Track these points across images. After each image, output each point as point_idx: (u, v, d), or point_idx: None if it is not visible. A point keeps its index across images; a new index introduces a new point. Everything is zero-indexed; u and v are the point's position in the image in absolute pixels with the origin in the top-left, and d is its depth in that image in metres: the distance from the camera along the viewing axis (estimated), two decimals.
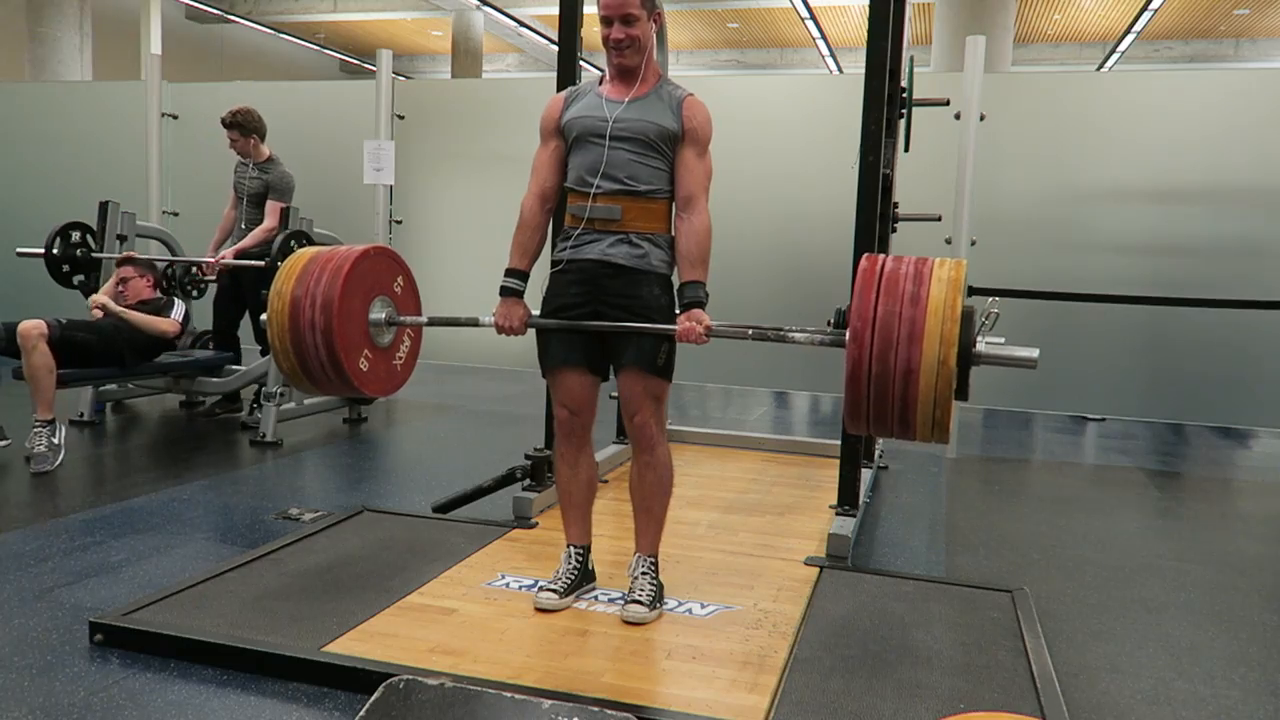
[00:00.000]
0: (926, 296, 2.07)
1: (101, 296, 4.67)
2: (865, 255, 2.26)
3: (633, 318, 2.52)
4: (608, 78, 2.61)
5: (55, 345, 4.22)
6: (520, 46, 21.48)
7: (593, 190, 2.53)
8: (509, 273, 2.65)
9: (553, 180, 2.63)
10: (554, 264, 2.65)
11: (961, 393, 2.09)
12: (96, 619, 2.37)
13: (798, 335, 2.49)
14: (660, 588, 2.64)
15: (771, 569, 3.00)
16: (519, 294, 2.65)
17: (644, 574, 2.63)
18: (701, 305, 2.49)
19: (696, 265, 2.50)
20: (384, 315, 2.70)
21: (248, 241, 5.15)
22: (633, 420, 2.60)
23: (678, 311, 2.54)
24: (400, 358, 2.80)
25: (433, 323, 2.78)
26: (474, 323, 2.72)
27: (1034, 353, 2.20)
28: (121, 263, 4.97)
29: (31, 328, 4.13)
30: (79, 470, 4.16)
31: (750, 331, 2.52)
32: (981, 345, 2.15)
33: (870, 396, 2.12)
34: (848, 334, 2.13)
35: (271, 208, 5.26)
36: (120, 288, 4.86)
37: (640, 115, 2.52)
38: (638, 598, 2.57)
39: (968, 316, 2.11)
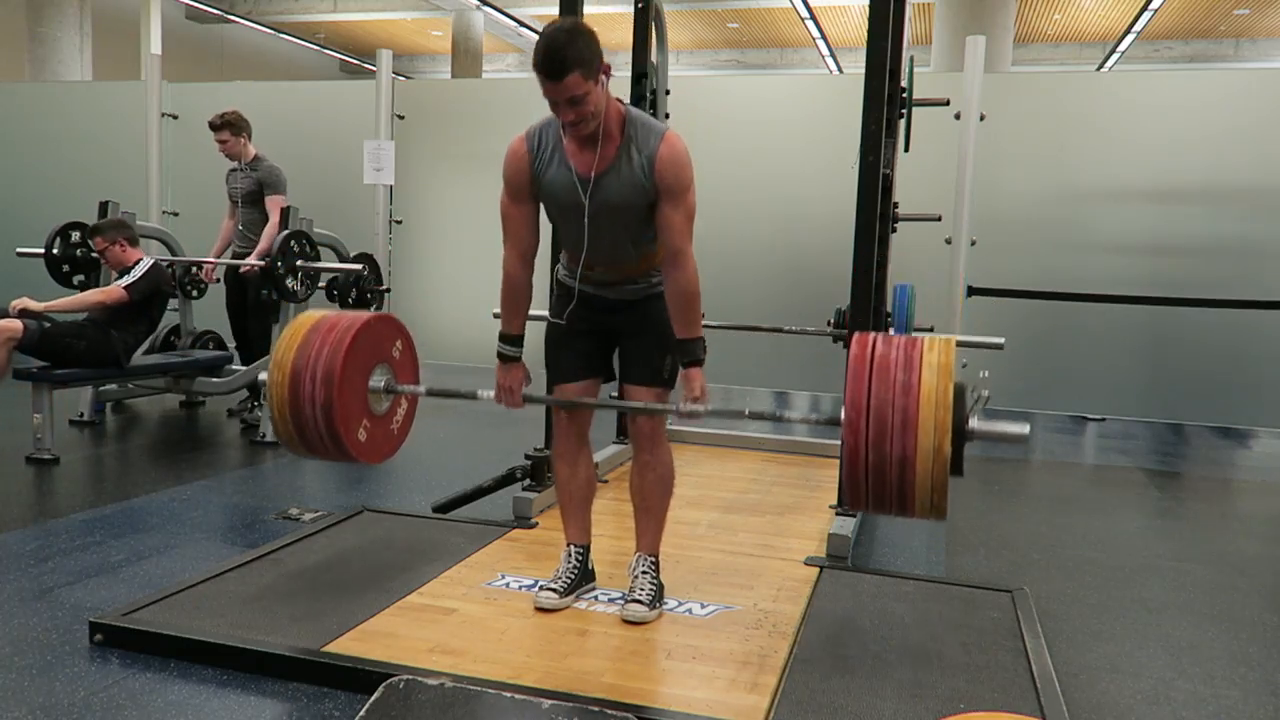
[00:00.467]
0: (918, 384, 2.12)
1: (23, 300, 4.40)
2: (856, 336, 2.27)
3: (642, 333, 2.55)
4: (567, 138, 2.42)
5: (36, 348, 4.20)
6: (520, 46, 21.48)
7: (584, 260, 2.52)
8: (504, 338, 2.61)
9: (531, 239, 2.55)
10: (559, 283, 2.66)
11: (956, 470, 2.14)
12: (96, 619, 2.37)
13: (793, 415, 2.59)
14: (660, 587, 2.64)
15: (771, 569, 3.00)
16: (517, 359, 2.62)
17: (644, 573, 2.64)
18: (699, 364, 2.47)
19: (689, 322, 2.45)
20: (383, 383, 2.67)
21: (264, 245, 5.14)
22: (635, 421, 2.61)
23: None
24: (397, 421, 2.79)
25: (431, 393, 2.76)
26: (472, 395, 2.70)
27: (1025, 429, 2.28)
28: (92, 234, 4.82)
29: (2, 330, 4.11)
30: (79, 470, 4.16)
31: (747, 411, 2.57)
32: (974, 423, 2.21)
33: (868, 482, 2.17)
34: (843, 422, 2.19)
35: (272, 203, 5.24)
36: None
37: (615, 191, 2.39)
38: (638, 597, 2.57)
39: (959, 398, 2.16)
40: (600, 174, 2.39)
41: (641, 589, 2.60)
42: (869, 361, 2.16)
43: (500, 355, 2.62)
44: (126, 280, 4.57)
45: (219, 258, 5.45)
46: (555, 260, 2.73)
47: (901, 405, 2.10)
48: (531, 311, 2.65)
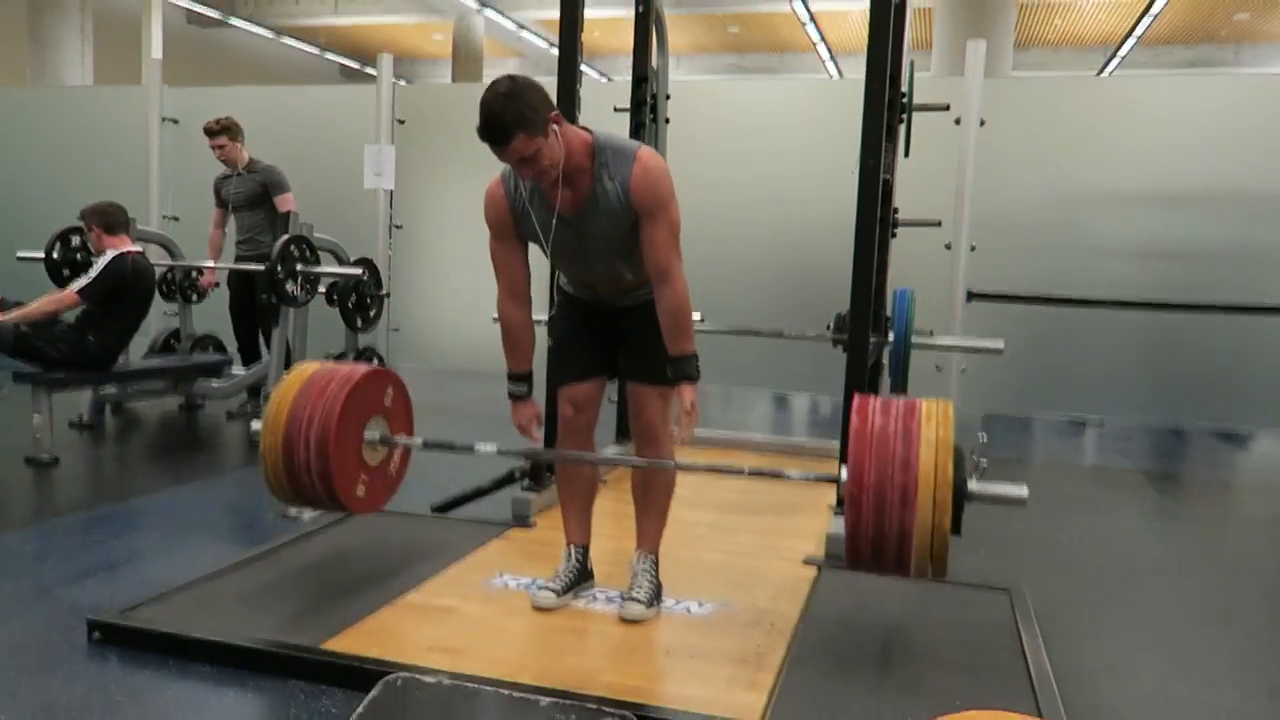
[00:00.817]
0: (917, 461, 2.16)
1: None
2: (855, 403, 2.30)
3: (647, 330, 2.53)
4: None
5: (15, 351, 4.19)
6: (521, 51, 21.51)
7: (583, 284, 2.58)
8: (511, 377, 2.61)
9: (521, 276, 2.57)
10: (561, 292, 2.69)
11: (954, 530, 2.20)
12: (95, 617, 2.37)
13: (794, 474, 2.61)
14: (659, 587, 2.64)
15: (770, 569, 3.00)
16: (526, 397, 2.61)
17: (644, 571, 2.64)
18: (692, 380, 2.47)
19: (681, 337, 2.45)
20: (378, 436, 2.67)
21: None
22: (639, 419, 2.60)
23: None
24: (394, 466, 2.80)
25: (428, 446, 2.76)
26: (469, 449, 2.70)
27: (1023, 491, 2.32)
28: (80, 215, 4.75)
29: None
30: (79, 470, 4.16)
31: (746, 469, 2.59)
32: (974, 486, 2.26)
33: (869, 553, 2.24)
34: (844, 499, 2.24)
35: (284, 202, 5.28)
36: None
37: (597, 223, 2.41)
38: (636, 595, 2.58)
39: (958, 462, 2.21)
40: (579, 210, 2.41)
41: (640, 587, 2.60)
42: (870, 436, 2.20)
43: (511, 395, 2.61)
44: (81, 282, 4.45)
45: (213, 268, 5.46)
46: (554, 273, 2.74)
47: (901, 483, 2.15)
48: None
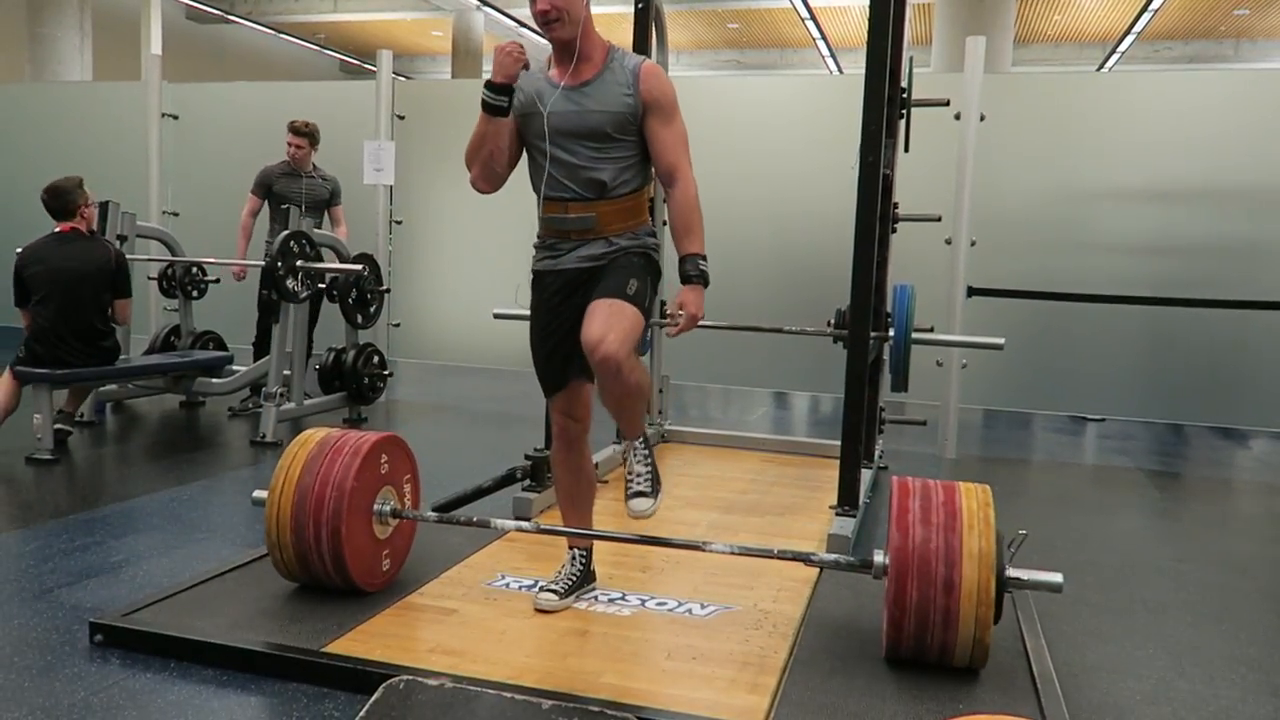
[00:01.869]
0: (960, 581, 2.16)
1: None
2: (894, 519, 2.28)
3: (609, 274, 2.46)
4: (554, 62, 2.48)
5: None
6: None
7: (555, 186, 2.47)
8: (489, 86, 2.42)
9: (502, 155, 2.49)
10: (534, 274, 2.61)
11: (995, 619, 2.21)
12: (97, 619, 2.37)
13: (821, 557, 2.53)
14: (656, 472, 2.55)
15: (771, 569, 3.00)
16: (504, 111, 2.44)
17: (638, 460, 2.53)
18: (702, 279, 2.43)
19: (691, 236, 2.44)
20: (388, 509, 2.66)
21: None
22: (595, 354, 2.32)
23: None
24: (403, 533, 2.80)
25: (442, 520, 2.76)
26: (485, 524, 2.68)
27: (1058, 578, 2.30)
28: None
29: None
30: (80, 470, 4.16)
31: (776, 551, 2.53)
32: (1010, 571, 2.24)
33: (908, 657, 2.28)
34: (885, 618, 2.26)
35: (339, 212, 5.66)
36: None
37: (596, 100, 2.41)
38: (639, 489, 2.50)
39: (998, 549, 2.21)
40: (583, 85, 2.43)
41: (640, 478, 2.51)
42: (911, 558, 2.19)
43: (485, 106, 2.42)
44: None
45: (244, 256, 5.47)
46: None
47: (943, 605, 2.16)
48: (513, 311, 2.60)
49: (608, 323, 2.34)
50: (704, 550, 2.52)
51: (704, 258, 2.45)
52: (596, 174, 2.44)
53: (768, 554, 2.50)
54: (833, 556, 2.50)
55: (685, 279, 2.45)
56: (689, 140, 2.51)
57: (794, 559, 2.50)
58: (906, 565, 2.19)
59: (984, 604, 2.14)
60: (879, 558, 2.31)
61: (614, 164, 2.46)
